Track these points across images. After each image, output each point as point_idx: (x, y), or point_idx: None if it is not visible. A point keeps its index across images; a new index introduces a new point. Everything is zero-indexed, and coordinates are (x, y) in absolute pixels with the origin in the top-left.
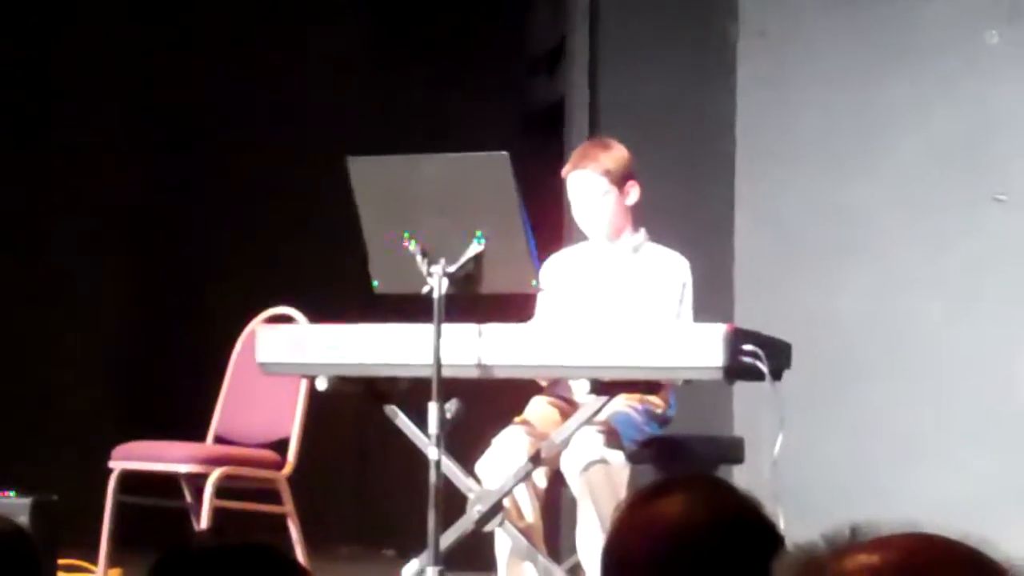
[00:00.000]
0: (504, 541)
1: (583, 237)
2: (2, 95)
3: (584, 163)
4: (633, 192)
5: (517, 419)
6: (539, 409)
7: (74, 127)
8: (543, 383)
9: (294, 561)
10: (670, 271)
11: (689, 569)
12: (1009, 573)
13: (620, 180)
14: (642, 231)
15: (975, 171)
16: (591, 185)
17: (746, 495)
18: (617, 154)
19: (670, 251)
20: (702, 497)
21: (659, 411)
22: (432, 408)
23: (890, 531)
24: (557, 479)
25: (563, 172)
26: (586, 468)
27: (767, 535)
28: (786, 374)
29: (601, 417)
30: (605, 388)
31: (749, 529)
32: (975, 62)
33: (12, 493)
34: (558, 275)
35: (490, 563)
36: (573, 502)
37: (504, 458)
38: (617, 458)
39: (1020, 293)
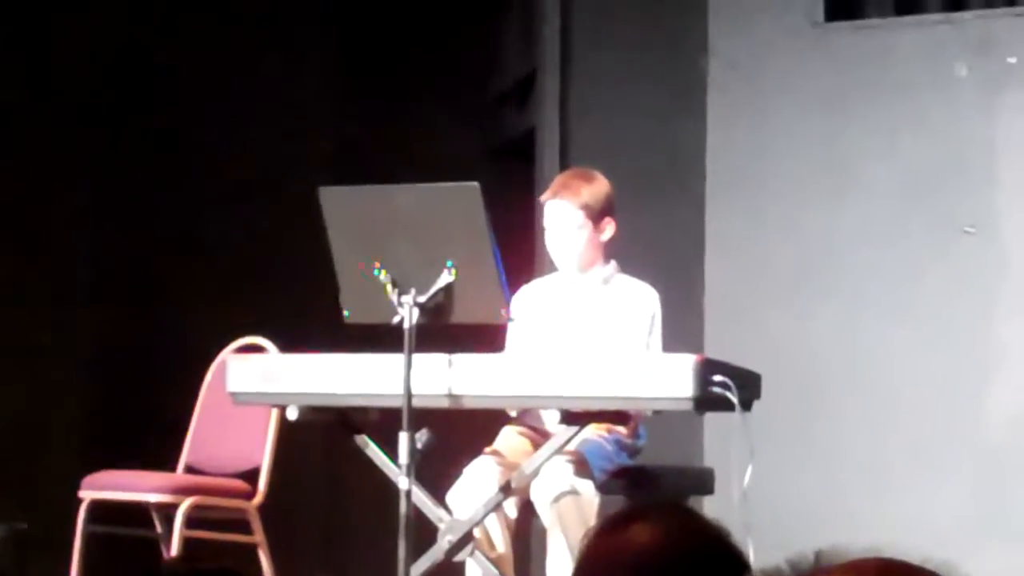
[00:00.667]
0: (475, 571)
1: (554, 267)
2: None
3: (564, 193)
4: (608, 228)
5: (488, 449)
6: (510, 439)
7: (43, 147)
8: (513, 413)
9: None
10: (639, 302)
11: None
12: None
13: (597, 216)
14: (612, 263)
15: (944, 202)
16: (567, 217)
17: (713, 523)
18: (598, 189)
19: (640, 282)
20: (670, 525)
21: (629, 441)
22: (403, 438)
23: (854, 556)
24: (528, 509)
25: (542, 198)
26: (556, 499)
27: (735, 563)
28: (756, 404)
29: (571, 447)
30: (575, 418)
31: (717, 557)
32: (945, 93)
33: None
34: (529, 306)
35: None
36: (543, 532)
37: (475, 488)
38: (587, 488)
39: (988, 323)
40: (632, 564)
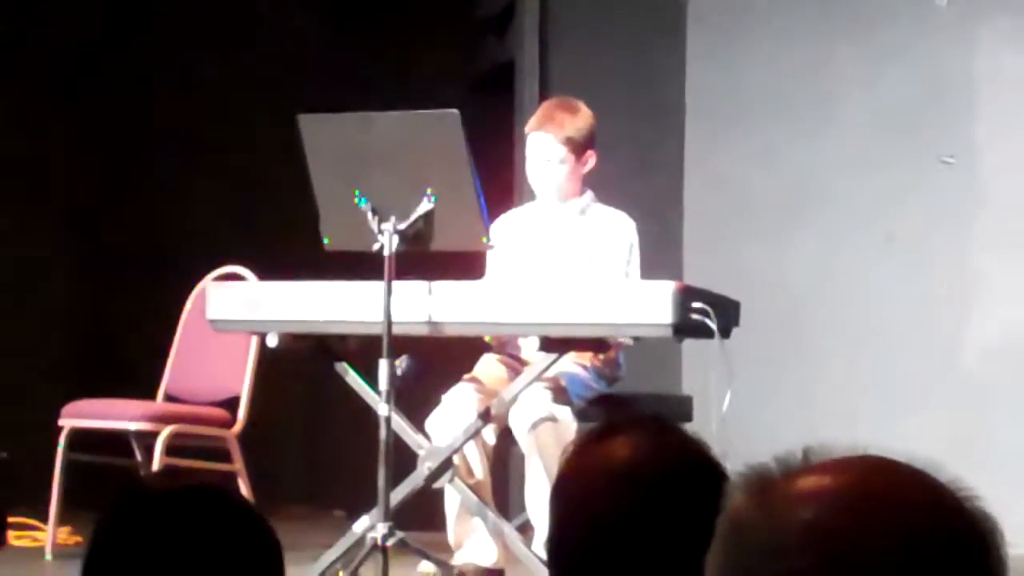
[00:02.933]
0: (453, 498)
1: (532, 197)
2: None
3: (547, 126)
4: (590, 161)
5: (466, 376)
6: (489, 367)
7: (19, 85)
8: (487, 339)
9: (248, 503)
10: (616, 231)
11: (637, 508)
12: (957, 492)
13: (580, 148)
14: (588, 193)
15: (923, 132)
16: (550, 149)
17: (692, 436)
18: (581, 121)
19: (616, 211)
20: (648, 438)
21: (607, 370)
22: (383, 365)
23: (841, 454)
24: (506, 436)
25: (526, 129)
26: (534, 425)
27: (713, 474)
28: (735, 332)
29: (550, 375)
30: (554, 345)
31: (695, 469)
32: (924, 24)
33: None
34: (506, 235)
35: (439, 522)
36: (522, 458)
37: (454, 415)
38: (565, 414)
39: (965, 253)
40: (612, 477)
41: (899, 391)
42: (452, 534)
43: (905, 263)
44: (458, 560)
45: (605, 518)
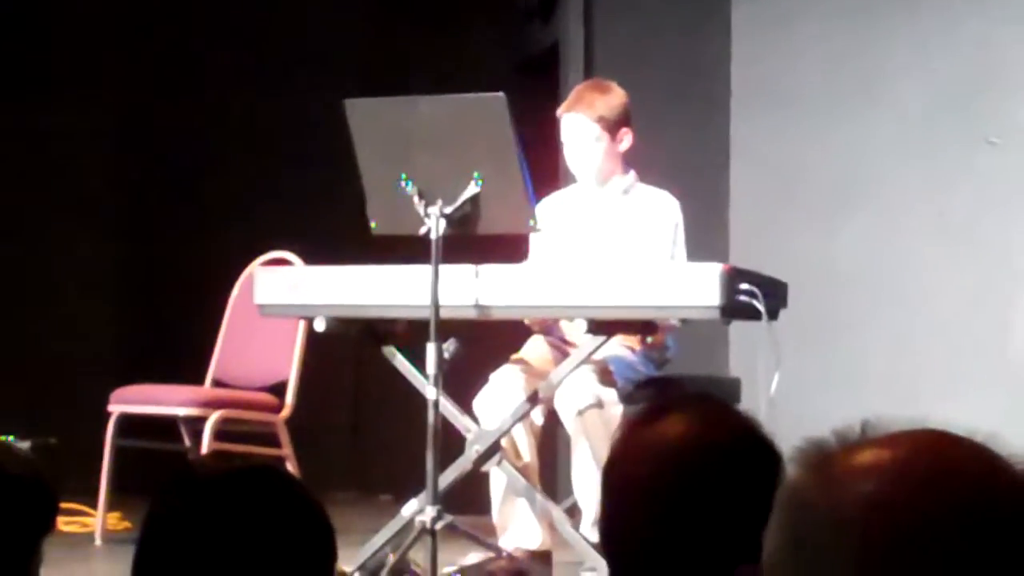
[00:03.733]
0: (499, 481)
1: (576, 181)
2: None
3: (578, 107)
4: (626, 139)
5: (514, 357)
6: (536, 348)
7: (66, 75)
8: (536, 329)
9: (300, 483)
10: (661, 212)
11: (689, 488)
12: (1017, 465)
13: (613, 127)
14: (632, 173)
15: (975, 113)
16: (583, 130)
17: (745, 414)
18: (613, 100)
19: (660, 191)
20: (701, 417)
21: (655, 354)
22: (430, 348)
23: (900, 427)
24: (553, 417)
25: (558, 112)
26: (581, 411)
27: (766, 453)
28: (782, 315)
29: (598, 357)
30: (602, 328)
31: (748, 447)
32: (977, 3)
33: (11, 437)
34: (550, 218)
35: (482, 506)
36: (569, 441)
37: (501, 395)
38: (610, 396)
39: (1017, 236)
40: (664, 456)
41: (948, 374)
42: (498, 516)
43: (955, 245)
44: (504, 543)
45: (658, 498)
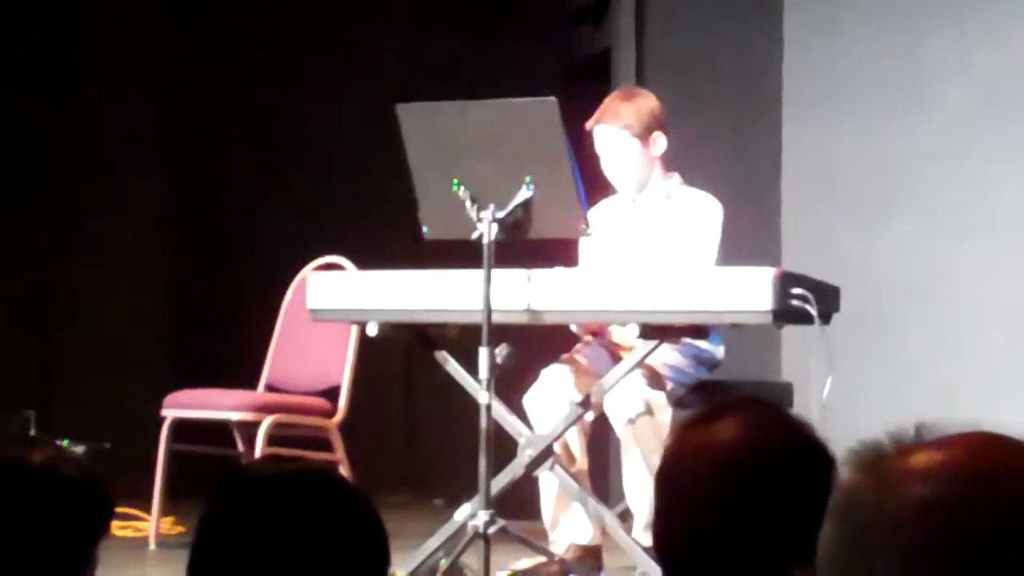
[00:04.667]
0: (550, 484)
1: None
2: (44, 49)
3: (605, 117)
4: (660, 142)
5: (564, 356)
6: (587, 348)
7: (116, 80)
8: (587, 338)
9: (353, 486)
10: (699, 214)
11: (743, 491)
12: None
13: (643, 132)
14: (675, 176)
15: (1020, 119)
16: (612, 140)
17: (798, 418)
18: (640, 105)
19: (702, 194)
20: (755, 420)
21: (707, 355)
22: (483, 353)
23: (954, 430)
24: (604, 420)
25: (587, 125)
26: (632, 419)
27: (819, 455)
28: (834, 319)
29: (652, 362)
30: (654, 332)
31: (801, 450)
32: (1021, 5)
33: (65, 442)
34: (596, 226)
35: (533, 510)
36: (619, 445)
37: (551, 394)
38: (660, 399)
39: None
40: (717, 460)
41: (999, 378)
42: (548, 519)
43: (1004, 249)
44: (554, 539)
45: (711, 501)
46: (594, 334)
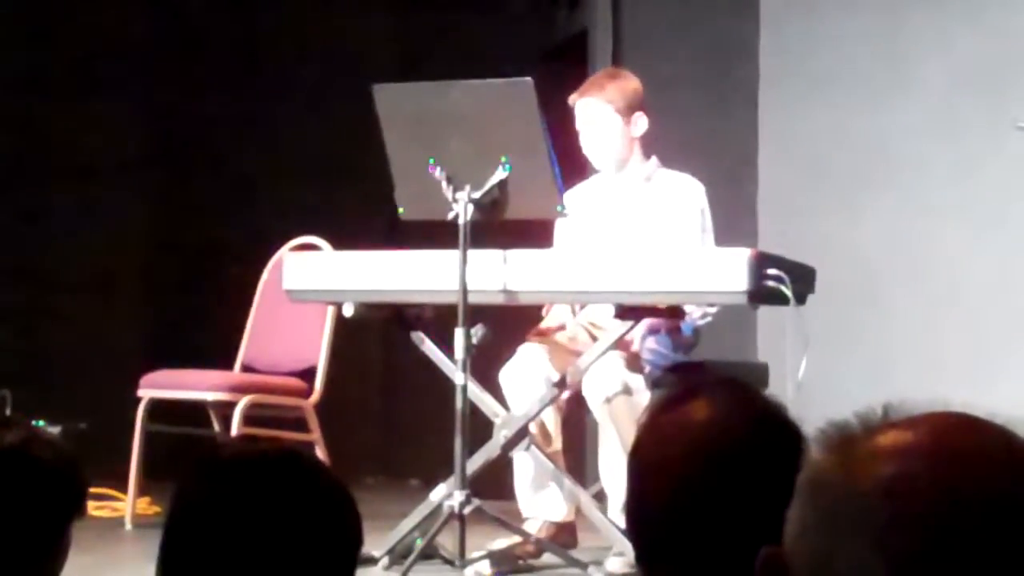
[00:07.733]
0: (524, 465)
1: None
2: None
3: (590, 91)
4: (640, 122)
5: (540, 328)
6: (560, 320)
7: (96, 59)
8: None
9: (325, 467)
10: (686, 196)
11: (714, 471)
12: None
13: (625, 110)
14: (653, 159)
15: (998, 98)
16: (595, 113)
17: (769, 398)
18: (625, 84)
19: (683, 176)
20: (727, 401)
21: (687, 335)
22: (459, 333)
23: (922, 410)
24: (580, 401)
25: (570, 99)
26: (609, 399)
27: (790, 435)
28: (810, 300)
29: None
30: (630, 312)
31: (772, 430)
32: None
33: (41, 422)
34: (573, 208)
35: (511, 492)
36: (595, 426)
37: (527, 371)
38: (638, 383)
39: None
40: (689, 440)
41: (975, 359)
42: (522, 500)
43: (982, 229)
44: (528, 516)
45: (683, 481)
46: (542, 334)
